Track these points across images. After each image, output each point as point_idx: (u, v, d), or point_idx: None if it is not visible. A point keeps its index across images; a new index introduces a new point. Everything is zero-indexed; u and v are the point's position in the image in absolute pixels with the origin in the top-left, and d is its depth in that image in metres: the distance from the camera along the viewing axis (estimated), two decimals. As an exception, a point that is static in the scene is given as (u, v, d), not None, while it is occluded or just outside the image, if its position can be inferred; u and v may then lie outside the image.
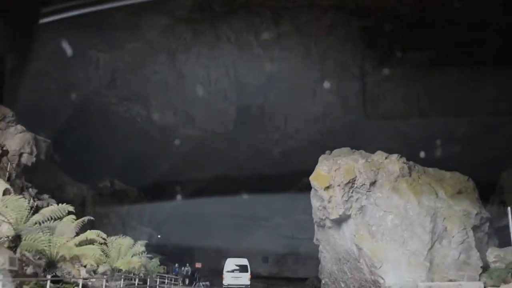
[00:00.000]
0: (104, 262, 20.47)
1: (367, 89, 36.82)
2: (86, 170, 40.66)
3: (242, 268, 33.66)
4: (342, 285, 20.42)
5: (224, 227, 52.73)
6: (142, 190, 51.44)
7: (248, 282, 33.43)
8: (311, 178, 20.83)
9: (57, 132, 37.08)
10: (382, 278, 17.97)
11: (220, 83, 36.91)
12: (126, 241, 22.74)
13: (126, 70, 37.36)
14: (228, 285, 33.22)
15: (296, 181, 44.14)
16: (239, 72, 36.38)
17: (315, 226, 22.31)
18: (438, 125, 36.22)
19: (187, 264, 37.50)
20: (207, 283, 36.22)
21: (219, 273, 49.72)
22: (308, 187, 44.69)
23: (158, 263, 26.06)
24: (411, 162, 19.92)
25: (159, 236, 51.67)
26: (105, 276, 19.82)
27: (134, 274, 21.87)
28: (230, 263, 34.25)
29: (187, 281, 35.18)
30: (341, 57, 35.07)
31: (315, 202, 20.87)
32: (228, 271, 33.59)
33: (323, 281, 22.58)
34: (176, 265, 37.36)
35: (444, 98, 35.47)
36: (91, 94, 38.88)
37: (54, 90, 37.56)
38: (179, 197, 50.67)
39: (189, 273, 36.65)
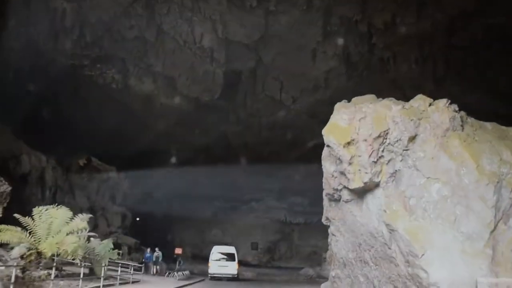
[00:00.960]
0: (27, 242, 14.32)
1: (376, 51, 31.15)
2: (55, 143, 34.93)
3: (229, 257, 31.00)
4: (361, 279, 14.53)
5: (210, 209, 47.13)
6: (119, 168, 46.22)
7: (235, 272, 30.52)
8: (324, 131, 14.84)
9: (19, 99, 31.42)
10: (425, 271, 12.11)
11: (206, 41, 31.18)
12: (61, 213, 16.06)
13: (97, 24, 31.35)
14: (214, 274, 30.44)
15: (290, 158, 38.68)
16: (228, 28, 30.65)
17: (326, 201, 16.29)
18: (457, 95, 30.50)
19: (156, 249, 31.33)
20: (187, 272, 30.29)
21: (203, 260, 44.52)
22: (304, 165, 39.52)
23: (111, 246, 19.59)
24: (462, 112, 14.11)
25: (137, 219, 46.15)
26: (21, 262, 13.85)
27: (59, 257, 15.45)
28: (216, 251, 31.61)
29: (154, 269, 29.27)
30: (347, 12, 29.25)
31: (328, 166, 14.86)
32: (214, 260, 30.89)
33: (332, 273, 16.53)
34: (148, 249, 31.31)
35: (465, 63, 29.98)
36: (58, 54, 32.88)
37: (13, 48, 31.63)
38: (159, 176, 45.16)
39: (160, 260, 30.71)
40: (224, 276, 30.40)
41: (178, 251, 33.69)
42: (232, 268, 30.47)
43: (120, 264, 19.79)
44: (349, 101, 15.01)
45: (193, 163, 42.32)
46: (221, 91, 33.27)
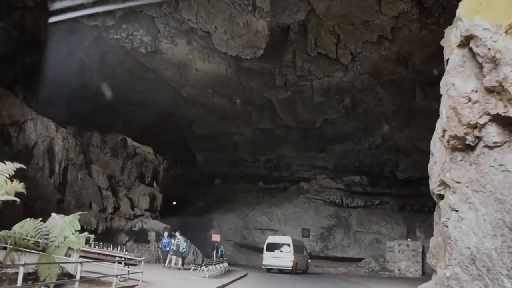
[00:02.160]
0: None
1: (457, -8, 24.45)
2: (79, 117, 30.50)
3: (284, 247, 28.68)
4: (509, 285, 8.37)
5: (255, 191, 41.53)
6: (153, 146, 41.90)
7: (290, 264, 27.88)
8: (462, 11, 8.53)
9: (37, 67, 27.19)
10: None
11: (246, -16, 25.29)
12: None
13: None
14: (268, 266, 28.97)
15: (348, 128, 32.65)
16: (274, -35, 24.79)
17: (443, 152, 9.89)
18: None
19: (177, 233, 23.85)
20: (225, 264, 24.03)
21: (246, 249, 39.29)
22: (364, 136, 33.54)
23: (77, 226, 9.73)
24: None
25: (174, 203, 41.22)
26: None
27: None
28: (271, 241, 29.74)
29: (179, 261, 22.67)
30: None
31: (460, 84, 8.51)
32: (268, 250, 29.12)
33: (446, 273, 10.25)
34: (165, 234, 25.22)
35: None
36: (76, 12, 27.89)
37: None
38: (199, 154, 40.24)
39: (183, 249, 23.84)
40: (278, 268, 28.45)
41: (216, 238, 28.43)
42: (286, 259, 28.06)
43: (85, 254, 12.20)
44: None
45: (233, 138, 37.06)
46: (265, 47, 27.34)
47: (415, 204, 36.69)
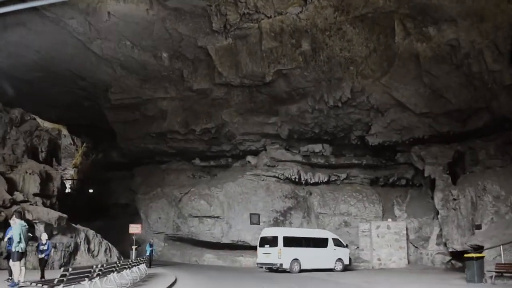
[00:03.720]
0: None
1: None
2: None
3: (272, 241, 24.77)
4: None
5: (190, 170, 35.06)
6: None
7: (277, 261, 23.94)
8: None
9: None
10: None
11: None
12: None
13: None
14: (260, 264, 25.52)
15: (307, 82, 26.08)
16: None
17: None
18: None
19: (15, 216, 13.66)
20: (141, 268, 16.22)
21: (181, 243, 32.40)
22: (328, 91, 27.20)
23: None
24: None
25: (90, 191, 34.17)
26: None
27: None
28: (264, 235, 25.87)
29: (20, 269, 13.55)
30: None
31: None
32: (260, 246, 25.61)
33: None
34: (12, 221, 15.41)
35: None
36: None
37: None
38: (118, 129, 33.20)
39: (20, 246, 14.63)
40: (268, 266, 24.79)
41: (135, 229, 21.31)
42: (274, 256, 24.12)
43: None
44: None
45: (160, 105, 29.89)
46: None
47: (390, 177, 30.55)
